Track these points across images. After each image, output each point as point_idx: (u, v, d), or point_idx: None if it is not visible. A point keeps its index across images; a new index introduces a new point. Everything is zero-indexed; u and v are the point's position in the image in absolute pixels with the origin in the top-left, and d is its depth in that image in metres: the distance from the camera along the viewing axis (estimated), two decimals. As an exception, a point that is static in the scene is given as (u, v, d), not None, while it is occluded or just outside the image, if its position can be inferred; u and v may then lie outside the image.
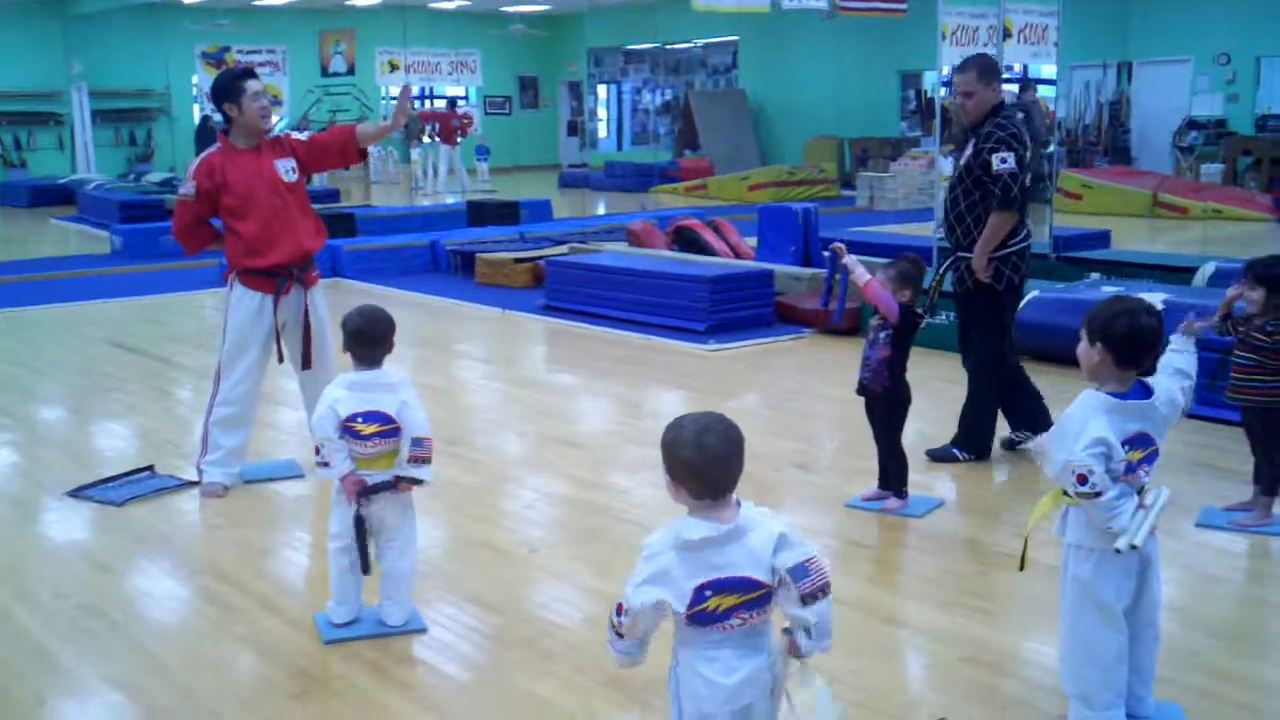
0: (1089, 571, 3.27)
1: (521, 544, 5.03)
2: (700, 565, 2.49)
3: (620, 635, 2.58)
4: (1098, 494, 3.12)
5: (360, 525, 4.05)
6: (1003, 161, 5.74)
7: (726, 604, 2.50)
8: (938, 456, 6.04)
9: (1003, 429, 6.20)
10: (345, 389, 4.01)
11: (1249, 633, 4.18)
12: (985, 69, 5.88)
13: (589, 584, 4.58)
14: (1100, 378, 3.28)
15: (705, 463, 2.52)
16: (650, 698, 3.62)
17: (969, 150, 5.90)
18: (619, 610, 2.55)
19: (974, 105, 5.88)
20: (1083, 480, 3.12)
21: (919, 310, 5.24)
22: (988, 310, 5.99)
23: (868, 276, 5.16)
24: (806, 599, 2.49)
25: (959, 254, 5.96)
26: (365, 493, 4.01)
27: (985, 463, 6.05)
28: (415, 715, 3.60)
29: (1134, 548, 3.15)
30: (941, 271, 6.05)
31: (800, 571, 2.48)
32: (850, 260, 5.25)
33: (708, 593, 2.48)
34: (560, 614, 4.32)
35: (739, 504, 2.58)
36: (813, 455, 6.20)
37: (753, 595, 2.51)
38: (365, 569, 4.10)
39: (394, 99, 23.76)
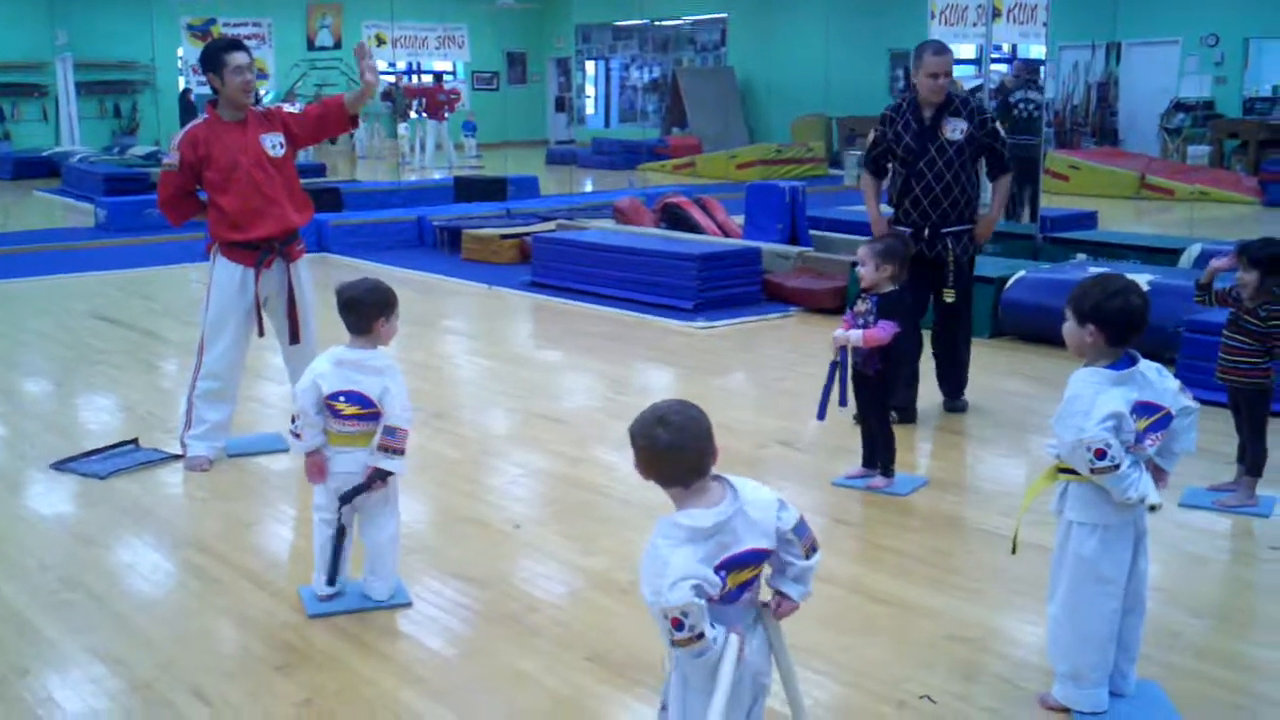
0: (1092, 548, 3.28)
1: (506, 519, 5.03)
2: (715, 548, 2.50)
3: (699, 636, 2.44)
4: (1116, 466, 3.15)
5: (340, 537, 4.06)
6: (1002, 129, 6.46)
7: (740, 580, 2.52)
8: (959, 408, 6.50)
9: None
10: (331, 365, 3.99)
11: (1231, 612, 4.19)
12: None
13: (573, 559, 4.58)
14: (1090, 356, 3.30)
15: (656, 454, 2.54)
16: (635, 673, 3.62)
17: (960, 125, 6.24)
18: (676, 625, 2.42)
19: (949, 85, 6.30)
20: (1101, 455, 3.14)
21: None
22: (972, 275, 6.60)
23: (860, 335, 5.10)
24: (809, 552, 2.64)
25: (959, 229, 6.30)
26: (346, 499, 4.02)
27: (971, 441, 6.07)
28: (398, 689, 3.59)
29: (1153, 508, 3.23)
30: (946, 248, 6.29)
31: (802, 528, 2.62)
32: (845, 337, 5.14)
33: (722, 573, 2.50)
34: (545, 589, 4.32)
35: (726, 481, 2.58)
36: (799, 433, 6.20)
37: (760, 568, 2.57)
38: (330, 579, 4.09)
39: (382, 74, 23.62)
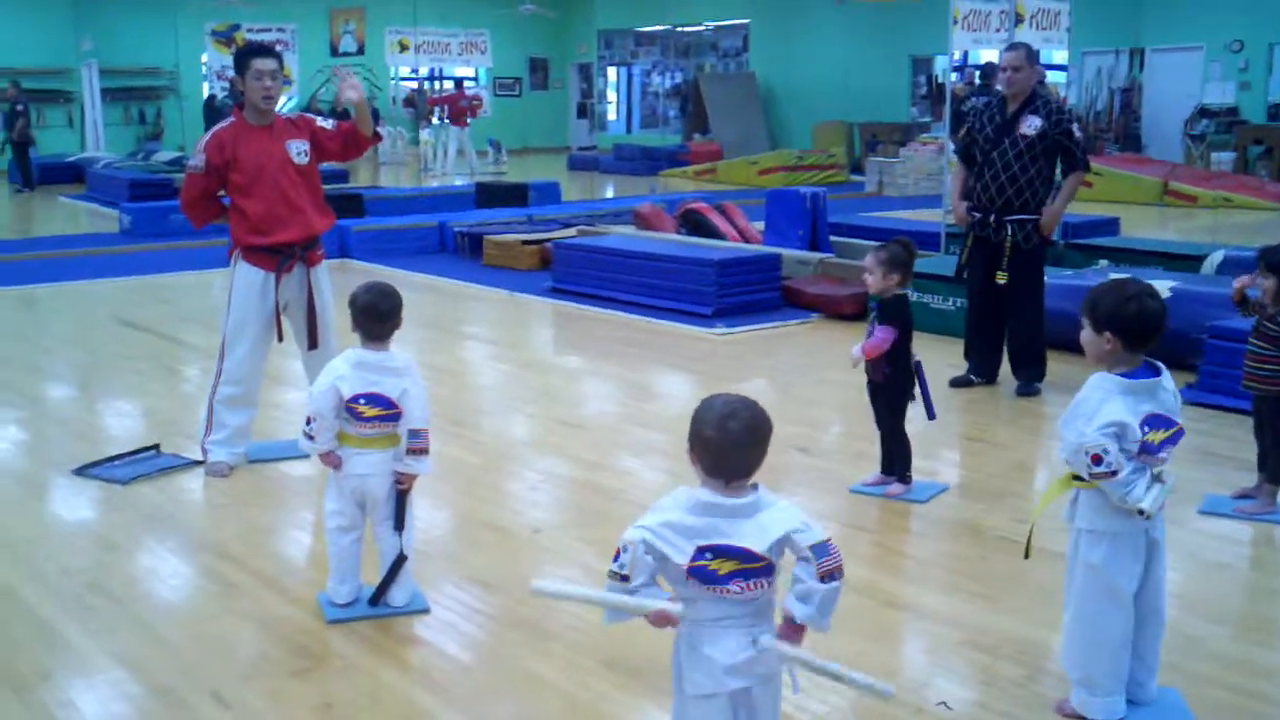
0: (1100, 556, 3.27)
1: (525, 525, 5.04)
2: (707, 528, 2.52)
3: (625, 578, 2.54)
4: (1114, 473, 3.13)
5: (399, 565, 4.10)
6: (1080, 130, 7.02)
7: (726, 568, 2.52)
8: (1029, 392, 6.98)
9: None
10: (351, 367, 4.01)
11: (1252, 619, 4.18)
12: (1031, 52, 7.03)
13: (592, 565, 4.58)
14: (1109, 363, 3.27)
15: (724, 446, 2.55)
16: (650, 677, 3.63)
17: (1035, 123, 6.79)
18: (615, 555, 2.56)
19: (1023, 79, 6.87)
20: (1098, 460, 3.12)
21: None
22: (1040, 263, 7.08)
23: (858, 349, 5.14)
24: (824, 576, 2.56)
25: (1021, 217, 6.85)
26: (399, 525, 4.07)
27: (992, 447, 6.06)
28: (416, 695, 3.61)
29: (1143, 513, 3.17)
30: (1008, 234, 6.88)
31: (822, 550, 2.55)
32: (854, 357, 5.19)
33: (708, 554, 2.51)
34: (562, 595, 4.32)
35: (756, 487, 2.60)
36: (817, 439, 6.20)
37: (751, 565, 2.53)
38: (374, 600, 4.13)
39: (404, 80, 23.64)
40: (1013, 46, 7.08)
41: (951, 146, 11.75)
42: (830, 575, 2.55)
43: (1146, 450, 3.19)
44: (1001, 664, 3.75)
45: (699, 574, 2.52)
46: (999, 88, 7.08)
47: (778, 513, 2.57)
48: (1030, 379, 7.03)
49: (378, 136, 5.87)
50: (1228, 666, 3.73)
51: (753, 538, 2.52)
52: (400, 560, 4.09)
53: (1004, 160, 6.85)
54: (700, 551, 2.51)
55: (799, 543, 2.54)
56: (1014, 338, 7.13)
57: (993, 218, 6.90)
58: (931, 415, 5.22)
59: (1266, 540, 4.84)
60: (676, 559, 2.52)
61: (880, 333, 5.08)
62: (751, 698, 2.63)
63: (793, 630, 2.62)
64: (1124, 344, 3.23)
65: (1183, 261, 9.67)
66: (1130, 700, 3.36)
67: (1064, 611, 3.41)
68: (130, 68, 26.94)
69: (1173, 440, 3.25)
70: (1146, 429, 3.18)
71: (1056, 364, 7.17)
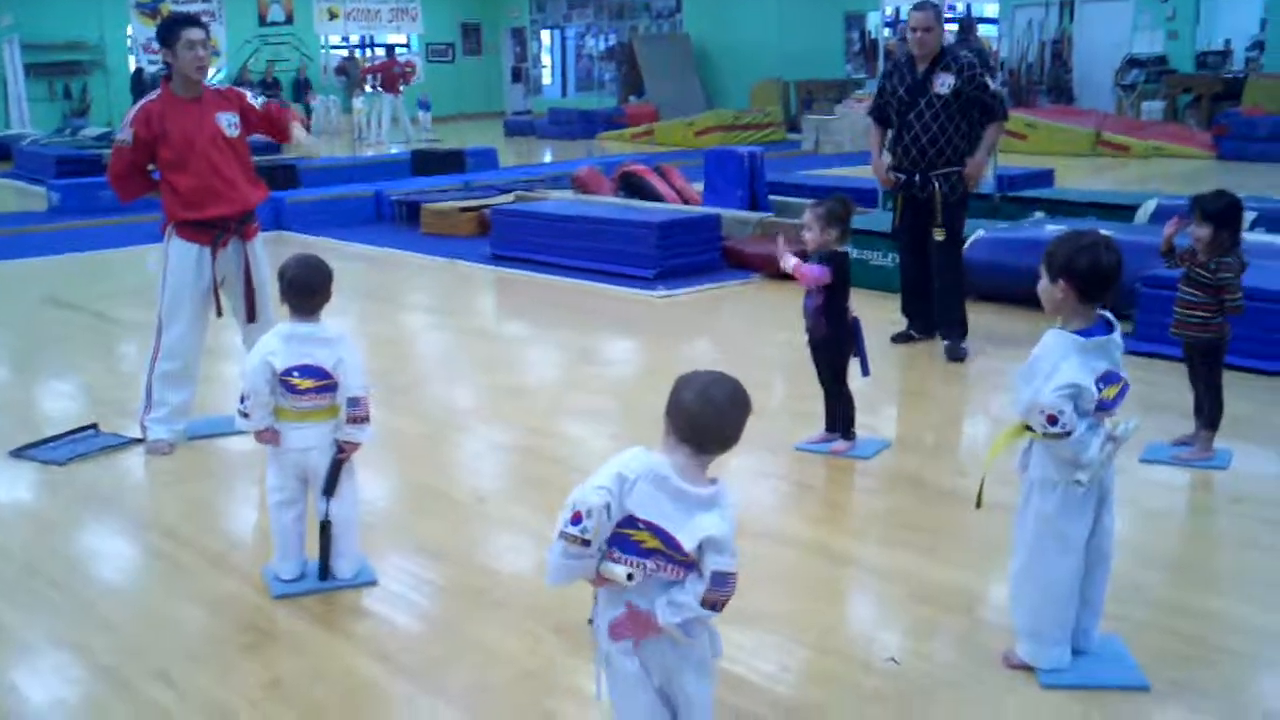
0: (1053, 506, 3.29)
1: (471, 493, 5.02)
2: (652, 503, 2.50)
3: (586, 542, 2.47)
4: (1068, 433, 3.15)
5: (326, 531, 4.04)
6: (995, 81, 7.01)
7: (650, 544, 2.50)
8: (958, 357, 6.76)
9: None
10: (281, 341, 3.95)
11: (1192, 565, 4.24)
12: (940, 11, 6.94)
13: (538, 532, 4.56)
14: (1063, 314, 3.29)
15: (703, 412, 2.53)
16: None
17: (948, 80, 6.77)
18: (575, 519, 2.47)
19: (933, 39, 6.84)
20: (1053, 421, 3.13)
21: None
22: (963, 214, 7.05)
23: (794, 261, 5.12)
24: (708, 604, 2.52)
25: (948, 170, 6.82)
26: (328, 491, 4.00)
27: (932, 401, 6.10)
28: (365, 666, 3.59)
29: (1078, 483, 3.19)
30: (932, 190, 6.84)
31: (721, 580, 2.51)
32: (785, 259, 5.17)
33: (639, 525, 2.50)
34: (510, 562, 4.32)
35: (715, 481, 2.57)
36: (761, 399, 6.16)
37: (673, 555, 2.51)
38: (322, 574, 4.08)
39: (335, 48, 23.37)
40: (920, 6, 6.93)
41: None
42: (713, 605, 2.51)
43: (1102, 407, 3.22)
44: (947, 617, 3.79)
45: (619, 542, 2.51)
46: (912, 50, 6.95)
47: (718, 516, 2.52)
48: (954, 338, 6.90)
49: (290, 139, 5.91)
50: (1168, 612, 3.79)
51: (687, 534, 2.49)
52: (325, 526, 4.04)
53: (921, 122, 6.81)
54: (630, 520, 2.50)
55: (707, 560, 2.50)
56: (943, 297, 7.03)
57: (917, 177, 6.86)
58: (865, 372, 5.25)
59: (1204, 486, 4.91)
60: (609, 519, 2.50)
61: (819, 267, 5.07)
62: (666, 660, 2.62)
63: (643, 617, 2.56)
64: (1077, 294, 3.23)
65: (1117, 211, 9.77)
66: (1074, 648, 3.40)
67: (1012, 561, 3.44)
68: (53, 42, 26.36)
69: (1123, 394, 3.28)
70: (1102, 385, 3.20)
71: (992, 316, 7.23)
